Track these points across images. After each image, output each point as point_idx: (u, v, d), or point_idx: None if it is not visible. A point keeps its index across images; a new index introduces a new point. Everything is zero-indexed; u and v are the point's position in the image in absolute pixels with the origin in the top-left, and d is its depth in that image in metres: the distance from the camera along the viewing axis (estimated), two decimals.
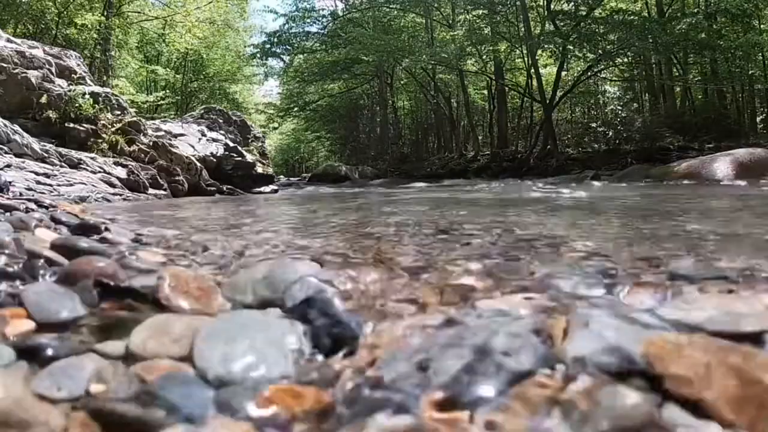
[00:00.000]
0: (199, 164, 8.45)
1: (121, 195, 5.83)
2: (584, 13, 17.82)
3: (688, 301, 0.79)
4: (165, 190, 7.12)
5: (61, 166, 5.95)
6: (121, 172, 6.65)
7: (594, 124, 21.04)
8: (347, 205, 4.29)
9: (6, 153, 5.37)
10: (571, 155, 17.90)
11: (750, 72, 17.33)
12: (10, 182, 3.96)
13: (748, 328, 0.65)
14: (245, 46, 28.19)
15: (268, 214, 3.43)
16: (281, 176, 24.09)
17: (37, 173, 5.17)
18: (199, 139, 10.23)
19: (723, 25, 17.45)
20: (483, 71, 22.48)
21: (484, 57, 21.20)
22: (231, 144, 10.55)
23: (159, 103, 22.49)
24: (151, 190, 6.75)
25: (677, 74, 19.44)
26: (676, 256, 1.25)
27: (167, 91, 23.54)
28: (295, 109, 30.02)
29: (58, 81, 7.87)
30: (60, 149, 6.43)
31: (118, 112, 8.28)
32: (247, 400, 0.55)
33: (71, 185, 5.31)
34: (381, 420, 0.50)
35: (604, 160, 15.64)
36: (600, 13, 17.99)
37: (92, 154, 6.98)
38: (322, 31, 25.07)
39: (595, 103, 26.20)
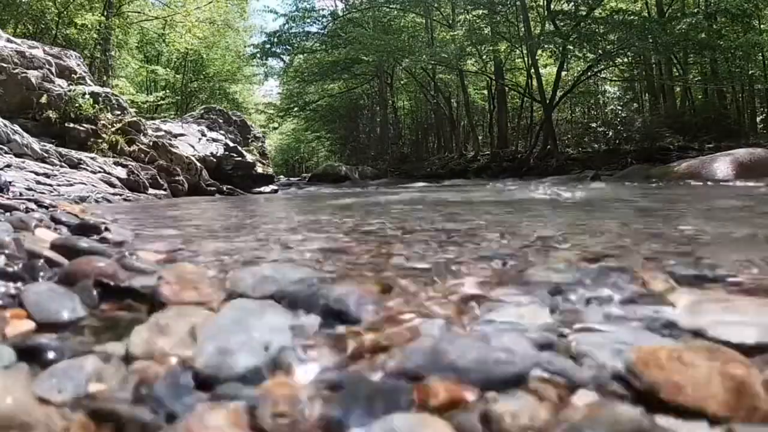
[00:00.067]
0: (199, 164, 8.46)
1: (121, 195, 5.82)
2: (584, 13, 17.82)
3: None
4: (165, 190, 7.13)
5: (61, 166, 5.95)
6: (121, 172, 6.66)
7: (594, 124, 21.05)
8: (346, 205, 4.29)
9: (6, 153, 5.37)
10: (571, 155, 17.91)
11: (750, 72, 17.34)
12: (10, 182, 3.95)
13: None
14: (245, 46, 28.21)
15: (268, 214, 3.42)
16: (281, 176, 24.09)
17: (37, 173, 5.17)
18: (199, 139, 10.23)
19: (723, 25, 17.46)
20: (483, 71, 22.48)
21: (484, 57, 21.21)
22: (231, 144, 10.56)
23: (159, 103, 22.50)
24: (151, 190, 6.75)
25: (677, 74, 19.45)
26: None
27: (167, 91, 23.55)
28: (295, 109, 30.03)
29: (58, 81, 7.87)
30: (60, 149, 6.43)
31: (118, 112, 8.28)
32: (246, 395, 0.55)
33: (71, 185, 5.31)
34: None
35: (604, 160, 15.64)
36: (600, 13, 18.00)
37: (92, 154, 6.98)
38: (322, 31, 25.08)
39: (595, 103, 26.21)
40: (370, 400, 0.53)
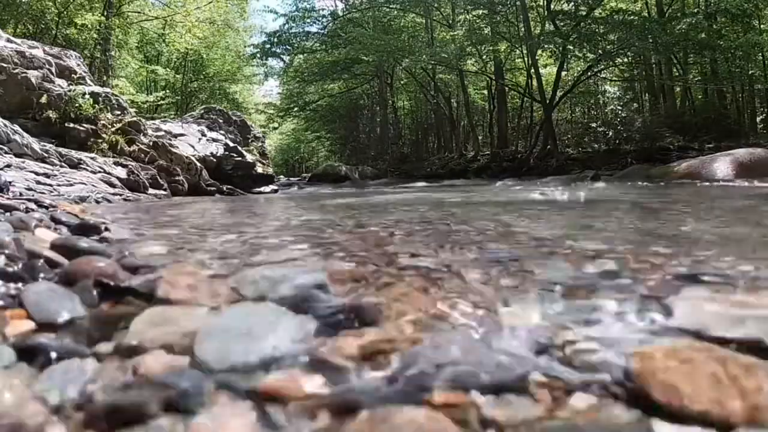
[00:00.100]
0: (199, 164, 8.46)
1: (121, 195, 5.82)
2: (584, 13, 17.82)
3: None
4: (165, 190, 7.13)
5: (61, 166, 5.95)
6: (121, 172, 6.66)
7: (594, 124, 21.04)
8: (345, 205, 4.29)
9: (6, 153, 5.37)
10: (571, 155, 17.91)
11: (750, 72, 17.34)
12: (10, 182, 3.96)
13: None
14: (245, 46, 28.20)
15: (268, 214, 3.42)
16: (281, 176, 24.09)
17: (37, 173, 5.17)
18: (199, 139, 10.23)
19: (723, 25, 17.46)
20: (483, 71, 22.48)
21: (484, 57, 21.20)
22: (231, 144, 10.56)
23: (159, 103, 22.50)
24: (151, 190, 6.75)
25: (677, 74, 19.44)
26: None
27: (167, 91, 23.55)
28: (295, 109, 30.02)
29: (58, 81, 7.87)
30: (60, 149, 6.43)
31: (118, 112, 8.28)
32: (246, 389, 0.55)
33: (71, 185, 5.31)
34: None
35: (604, 160, 15.64)
36: (600, 13, 17.99)
37: (92, 154, 6.98)
38: (322, 31, 25.07)
39: (595, 103, 26.20)
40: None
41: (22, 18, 15.57)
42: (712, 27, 16.88)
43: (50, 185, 4.97)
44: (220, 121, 11.79)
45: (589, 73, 19.86)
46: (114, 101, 8.37)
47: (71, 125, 7.38)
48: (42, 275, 0.95)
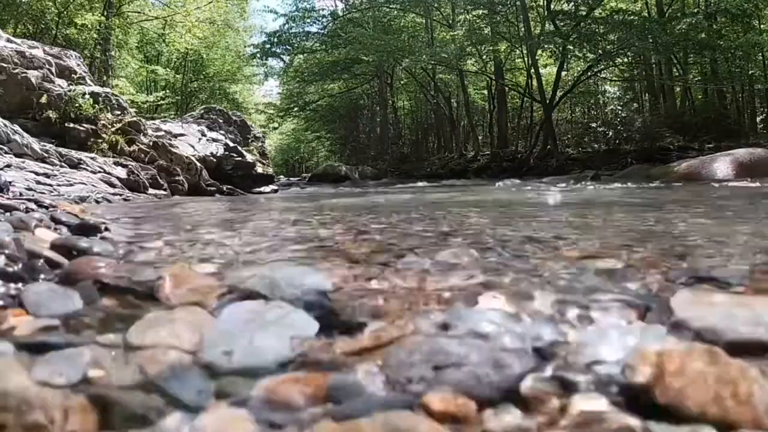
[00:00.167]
0: (199, 164, 8.45)
1: (121, 195, 5.82)
2: (584, 13, 17.84)
3: None
4: (165, 190, 7.12)
5: (61, 166, 5.95)
6: (121, 172, 6.65)
7: (594, 124, 21.07)
8: (344, 204, 4.29)
9: (6, 153, 5.37)
10: (571, 155, 17.93)
11: (750, 72, 17.36)
12: (10, 182, 3.95)
13: None
14: (245, 46, 28.22)
15: (269, 213, 3.42)
16: (281, 176, 24.09)
17: (37, 173, 5.17)
18: (199, 139, 10.22)
19: (723, 25, 17.48)
20: (483, 71, 22.49)
21: (484, 57, 21.22)
22: (231, 144, 10.55)
23: (159, 103, 22.50)
24: (151, 190, 6.75)
25: (677, 74, 19.46)
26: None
27: (167, 91, 23.56)
28: (295, 109, 30.04)
29: (58, 81, 7.87)
30: (60, 149, 6.43)
31: (118, 112, 8.28)
32: (248, 390, 0.55)
33: (71, 185, 5.31)
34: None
35: (604, 160, 15.66)
36: (600, 13, 18.02)
37: (92, 154, 6.97)
38: (322, 31, 25.10)
39: (595, 103, 26.22)
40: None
41: (22, 18, 15.58)
42: (712, 27, 16.89)
43: (50, 185, 4.97)
44: (220, 121, 11.78)
45: (589, 73, 19.88)
46: (114, 101, 8.37)
47: (71, 125, 7.37)
48: (42, 275, 0.95)
